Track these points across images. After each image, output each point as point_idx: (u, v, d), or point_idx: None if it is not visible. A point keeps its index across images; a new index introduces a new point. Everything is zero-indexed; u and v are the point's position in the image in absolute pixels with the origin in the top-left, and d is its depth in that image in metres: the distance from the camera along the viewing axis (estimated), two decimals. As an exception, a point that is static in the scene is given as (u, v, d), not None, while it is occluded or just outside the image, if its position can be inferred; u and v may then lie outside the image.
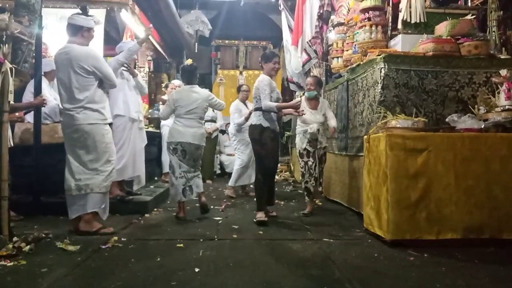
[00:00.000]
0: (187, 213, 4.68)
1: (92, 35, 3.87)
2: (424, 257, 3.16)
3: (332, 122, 4.93)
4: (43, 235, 3.51)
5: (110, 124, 3.98)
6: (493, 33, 4.68)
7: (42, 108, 4.49)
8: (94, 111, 3.74)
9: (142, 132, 5.27)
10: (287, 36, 8.58)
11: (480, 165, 3.48)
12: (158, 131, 7.27)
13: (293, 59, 7.64)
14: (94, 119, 3.72)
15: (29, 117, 4.74)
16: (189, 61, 4.92)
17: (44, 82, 4.85)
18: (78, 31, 3.77)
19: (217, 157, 9.35)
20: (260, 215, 4.35)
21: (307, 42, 7.04)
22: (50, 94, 4.93)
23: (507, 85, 3.75)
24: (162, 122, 7.18)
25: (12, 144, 4.18)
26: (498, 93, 3.87)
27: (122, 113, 4.78)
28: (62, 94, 3.77)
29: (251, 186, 5.98)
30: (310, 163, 4.84)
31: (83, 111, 3.68)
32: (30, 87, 4.72)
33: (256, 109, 4.52)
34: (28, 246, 3.15)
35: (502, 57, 4.37)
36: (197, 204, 5.50)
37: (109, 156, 3.81)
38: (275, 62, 4.58)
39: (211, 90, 11.94)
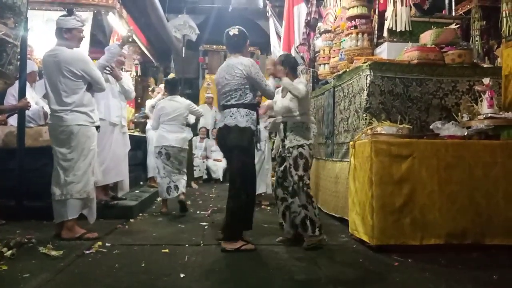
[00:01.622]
0: (173, 219, 4.78)
1: (75, 35, 3.78)
2: (408, 262, 3.19)
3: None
4: (26, 239, 3.45)
5: (98, 128, 3.92)
6: (476, 42, 4.79)
7: (26, 111, 4.43)
8: (83, 113, 3.70)
9: (125, 137, 5.19)
10: (274, 42, 8.65)
11: (463, 172, 3.53)
12: (144, 135, 7.21)
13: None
14: (82, 121, 3.69)
15: (12, 120, 4.67)
16: (171, 75, 5.78)
17: (29, 86, 4.79)
18: (60, 33, 3.74)
19: (203, 162, 9.33)
20: (244, 243, 3.52)
21: (295, 48, 7.10)
22: (32, 97, 4.86)
23: (489, 93, 3.82)
24: (148, 127, 7.13)
25: None
26: (481, 101, 3.94)
27: (102, 116, 4.68)
28: (50, 96, 3.72)
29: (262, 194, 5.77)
30: (279, 173, 3.82)
31: (71, 113, 3.64)
32: (12, 90, 4.66)
33: (244, 106, 3.48)
34: (10, 251, 3.09)
35: (485, 65, 4.47)
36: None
37: (90, 161, 3.75)
38: None
39: (198, 95, 11.95)
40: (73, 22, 3.75)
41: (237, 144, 3.47)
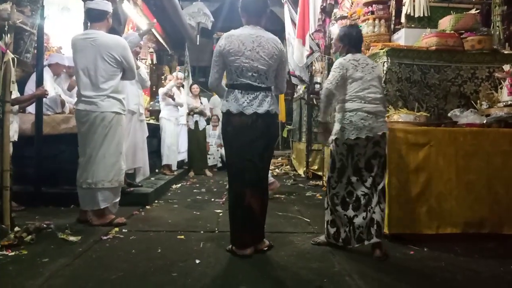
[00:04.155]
0: (188, 206, 4.86)
1: (111, 20, 3.82)
2: (424, 252, 3.17)
3: None
4: (45, 225, 3.52)
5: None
6: (497, 28, 4.66)
7: (44, 99, 4.49)
8: (118, 100, 3.69)
9: (143, 124, 5.28)
10: (289, 29, 8.53)
11: (481, 160, 3.47)
12: (159, 123, 7.26)
13: (296, 52, 7.59)
14: (118, 108, 3.68)
15: (31, 108, 4.74)
16: None
17: (48, 74, 4.85)
18: (104, 17, 3.70)
19: (218, 150, 9.36)
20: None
21: (310, 35, 7.01)
22: (54, 87, 4.93)
23: (510, 81, 3.74)
24: (161, 115, 7.18)
25: (17, 139, 4.17)
26: (501, 88, 3.86)
27: None
28: (83, 81, 3.63)
29: None
30: None
31: (107, 99, 3.61)
32: (34, 77, 4.72)
33: (271, 90, 3.08)
34: (30, 236, 3.16)
35: (506, 52, 4.35)
36: (198, 197, 5.56)
37: (121, 149, 3.77)
38: None
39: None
40: (110, 7, 3.75)
41: (277, 134, 3.16)
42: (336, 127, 3.15)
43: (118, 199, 3.86)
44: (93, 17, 3.72)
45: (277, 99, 3.13)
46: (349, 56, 3.17)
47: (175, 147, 7.35)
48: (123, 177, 3.81)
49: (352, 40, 3.23)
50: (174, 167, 7.44)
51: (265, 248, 3.11)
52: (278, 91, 3.22)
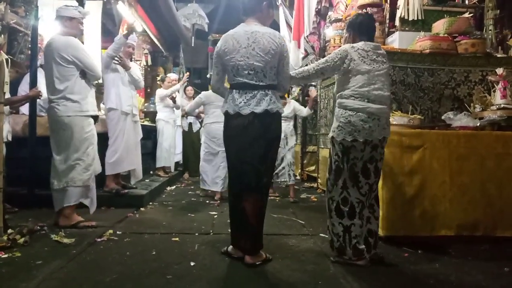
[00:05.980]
0: (183, 208, 4.84)
1: (76, 25, 3.83)
2: (418, 254, 3.18)
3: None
4: (38, 227, 3.51)
5: (96, 118, 3.96)
6: (490, 31, 4.71)
7: (38, 100, 4.46)
8: (74, 102, 3.72)
9: (137, 126, 5.24)
10: (284, 32, 8.56)
11: (475, 163, 3.50)
12: (154, 125, 7.23)
13: (291, 55, 7.61)
14: (73, 111, 3.71)
15: (24, 109, 4.71)
16: None
17: (42, 74, 4.81)
18: (60, 22, 3.80)
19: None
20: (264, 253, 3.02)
21: (305, 38, 7.04)
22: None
23: (502, 84, 3.77)
24: (158, 117, 7.15)
25: (11, 139, 4.16)
26: (494, 91, 3.89)
27: (114, 106, 4.78)
28: (46, 86, 3.80)
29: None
30: None
31: (63, 102, 3.68)
32: (27, 77, 4.70)
33: (275, 88, 2.94)
34: (23, 238, 3.14)
35: (499, 55, 4.40)
36: (193, 199, 5.55)
37: (87, 148, 3.77)
38: None
39: (207, 85, 11.94)
40: (74, 12, 3.81)
41: (279, 135, 2.96)
42: (334, 124, 2.91)
43: (89, 200, 3.84)
44: (57, 23, 3.84)
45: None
46: (360, 44, 2.86)
47: (173, 149, 7.33)
48: (88, 177, 3.78)
49: (356, 26, 2.96)
50: (172, 169, 7.44)
51: (258, 263, 2.87)
52: (281, 89, 3.04)
